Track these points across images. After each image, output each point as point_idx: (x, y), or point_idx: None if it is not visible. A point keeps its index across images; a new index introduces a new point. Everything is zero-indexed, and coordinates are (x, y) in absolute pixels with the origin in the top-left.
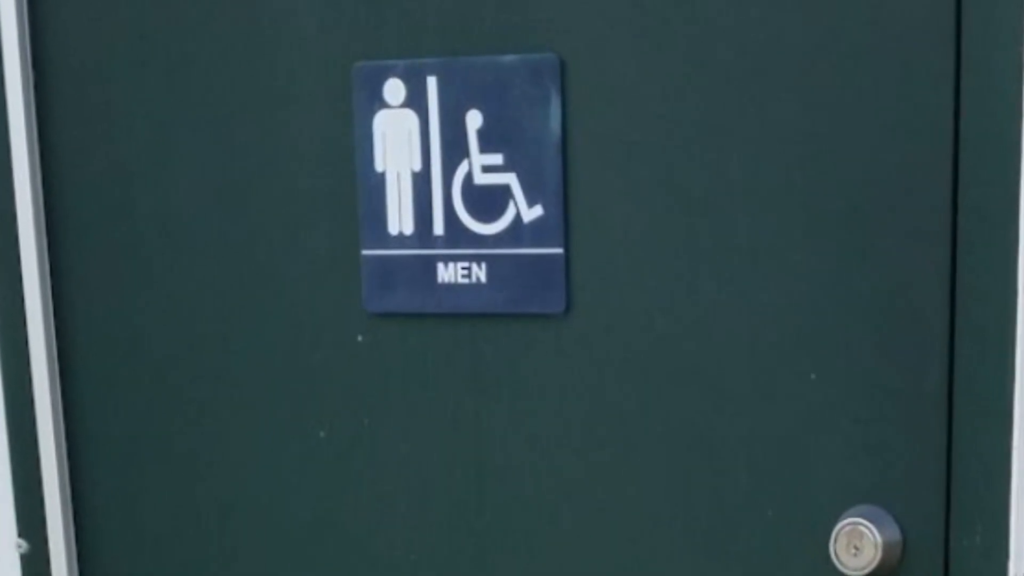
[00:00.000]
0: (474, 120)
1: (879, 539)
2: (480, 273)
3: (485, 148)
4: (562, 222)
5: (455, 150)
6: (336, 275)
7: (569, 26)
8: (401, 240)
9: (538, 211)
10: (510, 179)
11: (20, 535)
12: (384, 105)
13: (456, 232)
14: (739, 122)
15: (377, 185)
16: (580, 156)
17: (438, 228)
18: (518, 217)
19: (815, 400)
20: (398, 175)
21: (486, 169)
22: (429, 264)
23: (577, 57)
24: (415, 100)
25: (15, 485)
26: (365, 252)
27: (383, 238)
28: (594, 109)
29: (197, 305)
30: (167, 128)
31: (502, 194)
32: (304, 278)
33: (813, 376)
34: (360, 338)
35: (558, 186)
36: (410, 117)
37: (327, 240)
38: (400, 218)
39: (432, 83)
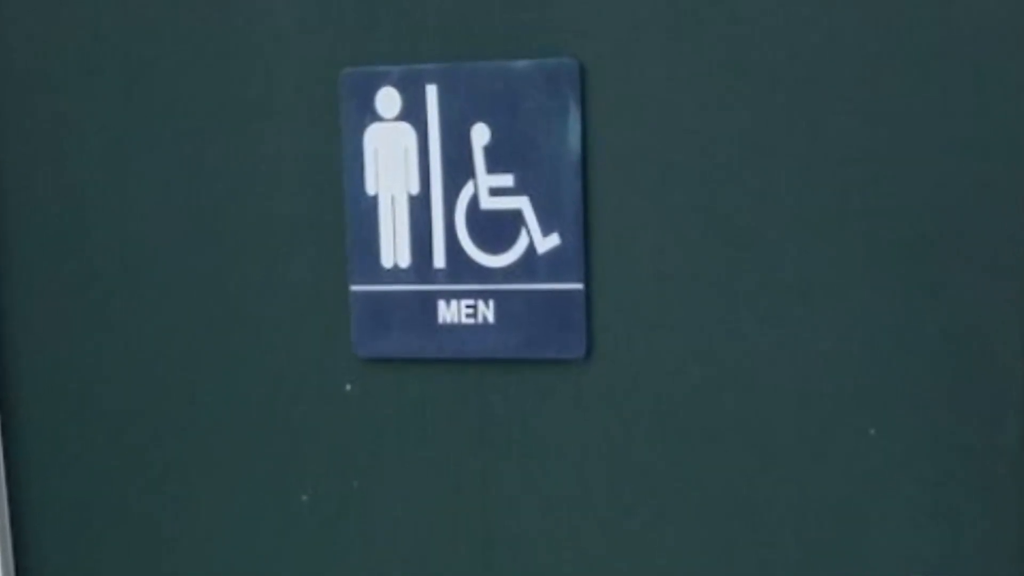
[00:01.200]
0: (480, 135)
1: None
2: (487, 312)
3: (493, 168)
4: (582, 253)
5: (458, 170)
6: (321, 314)
7: (591, 27)
8: (396, 274)
9: (554, 240)
10: (522, 203)
11: None
12: (376, 118)
13: (460, 265)
14: (788, 138)
15: (368, 210)
16: (603, 177)
17: (439, 260)
18: (531, 247)
19: (875, 459)
20: (392, 199)
21: (494, 192)
22: (429, 302)
23: (600, 62)
24: (412, 112)
25: None
26: (354, 288)
27: (375, 272)
28: (620, 123)
29: (160, 350)
30: (126, 144)
31: (513, 221)
32: (284, 318)
33: (872, 431)
34: (348, 387)
35: (577, 212)
36: (406, 132)
37: (310, 274)
38: (395, 249)
39: (432, 92)
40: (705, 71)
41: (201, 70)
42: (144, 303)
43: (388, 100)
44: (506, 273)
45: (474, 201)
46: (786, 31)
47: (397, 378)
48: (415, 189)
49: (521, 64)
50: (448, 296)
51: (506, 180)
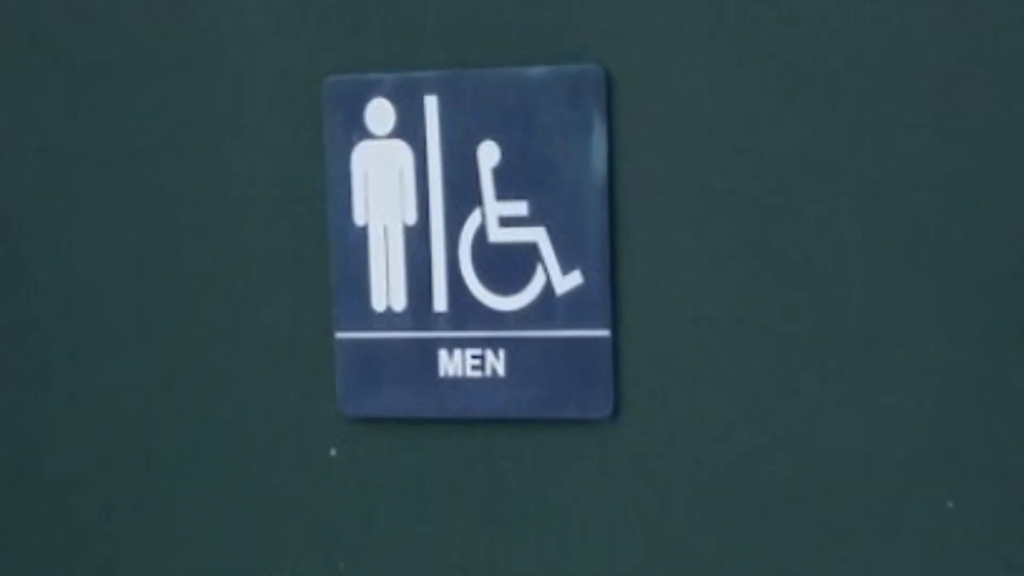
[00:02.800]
0: (489, 155)
1: None
2: (497, 364)
3: (504, 193)
4: (608, 295)
5: (463, 196)
6: (301, 366)
7: (619, 27)
8: (389, 319)
9: (576, 279)
10: (538, 235)
11: None
12: (366, 135)
13: (464, 308)
14: (852, 159)
15: (357, 244)
16: (633, 205)
17: (440, 303)
18: (548, 287)
19: (954, 537)
20: (385, 230)
21: (505, 222)
22: (428, 351)
23: (629, 69)
24: (408, 128)
25: None
26: (340, 335)
27: (365, 316)
28: (653, 140)
29: (111, 409)
30: (69, 166)
31: (527, 256)
32: (257, 371)
33: (951, 504)
34: (334, 452)
35: (603, 245)
36: (402, 151)
37: (288, 319)
38: (388, 289)
39: (431, 104)
40: (753, 80)
41: (159, 78)
42: (92, 353)
43: (380, 114)
44: (519, 318)
45: (481, 233)
46: (849, 33)
47: (390, 441)
48: (412, 219)
49: (537, 71)
50: (451, 345)
51: (519, 208)
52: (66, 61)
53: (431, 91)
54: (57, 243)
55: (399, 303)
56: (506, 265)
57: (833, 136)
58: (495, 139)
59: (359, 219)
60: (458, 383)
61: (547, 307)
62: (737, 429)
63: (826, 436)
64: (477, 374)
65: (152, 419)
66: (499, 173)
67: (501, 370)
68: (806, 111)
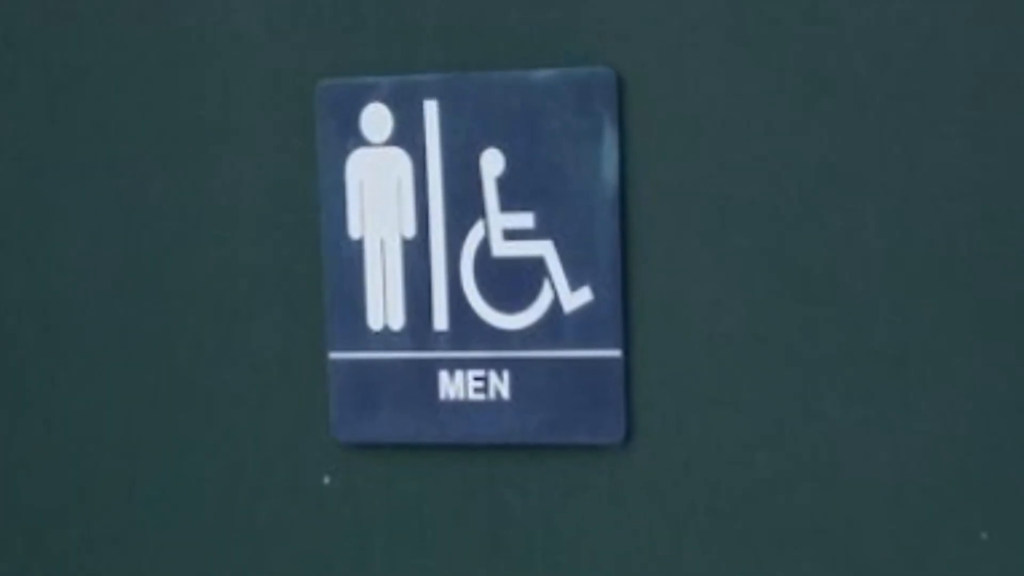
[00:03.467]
0: (493, 164)
1: None
2: (501, 386)
3: (509, 205)
4: (620, 312)
5: (465, 208)
6: (292, 389)
7: (630, 28)
8: (387, 338)
9: (585, 296)
10: (544, 249)
11: None
12: (362, 142)
13: (466, 326)
14: (878, 168)
15: (352, 258)
16: (646, 216)
17: (440, 321)
18: (556, 304)
19: (988, 570)
20: (382, 244)
21: (510, 235)
22: (428, 372)
23: (642, 72)
24: (407, 135)
25: None
26: (334, 356)
27: (361, 335)
28: (667, 148)
29: (90, 434)
30: (48, 175)
31: (533, 271)
32: (246, 394)
33: (984, 535)
34: (327, 480)
35: (614, 260)
36: (400, 159)
37: (279, 338)
38: (385, 307)
39: (431, 110)
40: (774, 83)
41: (141, 81)
42: (70, 374)
43: (376, 120)
44: (525, 337)
45: (484, 246)
46: (876, 33)
47: (388, 469)
48: (410, 232)
49: (544, 74)
50: (452, 366)
51: (524, 220)
52: (43, 63)
53: (431, 95)
54: (33, 256)
55: (397, 321)
56: (511, 281)
57: (858, 143)
58: (499, 147)
59: (354, 232)
60: (460, 406)
61: (554, 326)
62: (757, 455)
63: (851, 462)
64: (480, 397)
65: (134, 445)
66: (503, 183)
67: (505, 393)
68: (830, 116)
